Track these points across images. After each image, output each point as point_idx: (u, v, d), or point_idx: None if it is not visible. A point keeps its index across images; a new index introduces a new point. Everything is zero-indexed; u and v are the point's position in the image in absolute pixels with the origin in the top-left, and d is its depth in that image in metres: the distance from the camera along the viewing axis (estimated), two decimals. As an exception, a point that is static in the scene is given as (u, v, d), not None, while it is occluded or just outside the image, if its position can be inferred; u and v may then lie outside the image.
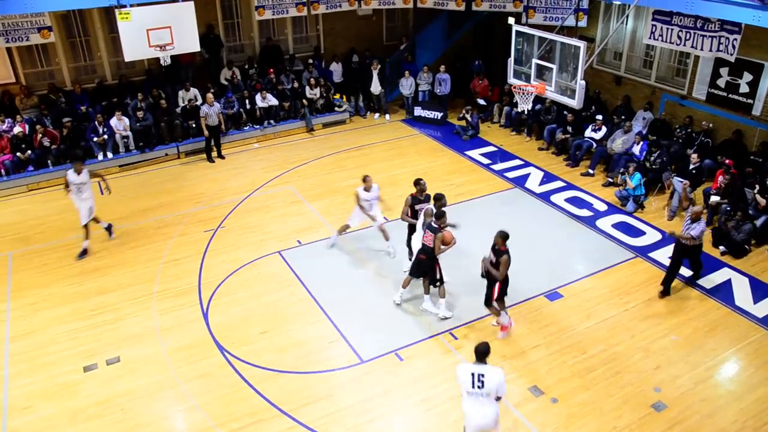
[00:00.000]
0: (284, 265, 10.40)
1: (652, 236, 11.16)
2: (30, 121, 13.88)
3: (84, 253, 10.68)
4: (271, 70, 16.01)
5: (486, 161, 14.25)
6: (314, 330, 8.92)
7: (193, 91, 15.03)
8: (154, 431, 7.36)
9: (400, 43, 17.95)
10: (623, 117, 14.04)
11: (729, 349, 8.49)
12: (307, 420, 7.39)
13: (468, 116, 15.53)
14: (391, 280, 9.96)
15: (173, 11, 12.14)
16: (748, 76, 12.28)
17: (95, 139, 13.72)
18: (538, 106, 15.02)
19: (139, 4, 11.98)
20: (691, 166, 11.91)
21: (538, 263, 10.33)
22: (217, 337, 8.77)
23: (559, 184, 13.15)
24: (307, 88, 16.11)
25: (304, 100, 15.99)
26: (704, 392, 7.76)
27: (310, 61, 16.66)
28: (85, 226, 10.60)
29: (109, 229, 11.18)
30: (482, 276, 8.61)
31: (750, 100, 12.36)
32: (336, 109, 16.46)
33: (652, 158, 12.52)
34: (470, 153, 14.68)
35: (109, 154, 13.92)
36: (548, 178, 13.42)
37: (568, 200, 12.45)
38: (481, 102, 16.75)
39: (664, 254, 10.55)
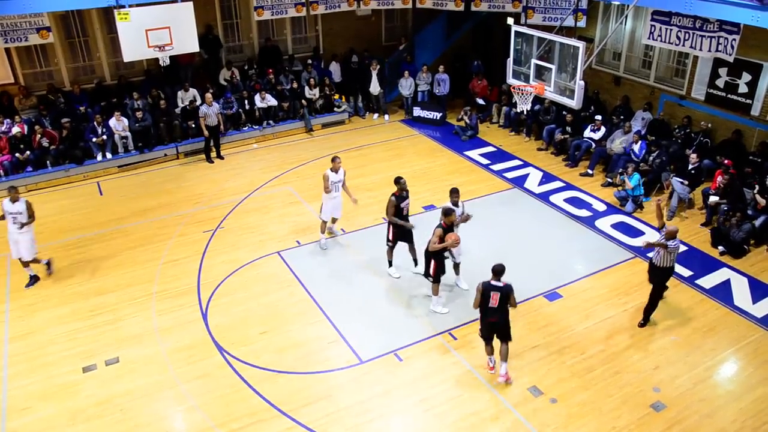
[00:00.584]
0: (283, 265, 10.40)
1: (651, 237, 11.15)
2: (29, 121, 13.87)
3: (34, 279, 10.00)
4: (270, 70, 16.00)
5: (485, 161, 14.25)
6: (313, 330, 8.92)
7: (192, 92, 15.03)
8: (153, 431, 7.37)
9: (399, 44, 17.94)
10: (622, 117, 14.05)
11: (728, 349, 8.50)
12: (307, 420, 7.39)
13: (466, 117, 15.53)
14: (390, 279, 9.97)
15: (172, 12, 12.13)
16: (746, 77, 12.29)
17: (94, 139, 13.71)
18: (537, 107, 15.03)
19: (138, 5, 11.98)
20: (690, 167, 11.92)
21: (537, 263, 10.34)
22: (216, 338, 8.77)
23: (558, 184, 13.16)
24: (306, 88, 16.11)
25: (303, 101, 15.99)
26: (703, 392, 7.77)
27: (309, 61, 16.66)
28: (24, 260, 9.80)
29: (48, 264, 10.21)
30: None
31: (749, 101, 12.37)
32: (335, 109, 16.46)
33: (651, 158, 12.53)
34: (469, 153, 14.69)
35: (108, 155, 13.90)
36: (547, 178, 13.43)
37: (567, 200, 12.46)
38: (480, 102, 16.76)
39: (663, 254, 10.59)
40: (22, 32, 13.21)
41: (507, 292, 7.52)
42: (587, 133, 13.99)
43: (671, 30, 12.52)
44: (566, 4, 14.66)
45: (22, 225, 9.49)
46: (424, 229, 10.34)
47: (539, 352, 8.44)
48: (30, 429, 7.38)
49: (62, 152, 13.47)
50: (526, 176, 13.51)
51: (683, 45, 12.44)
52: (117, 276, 10.18)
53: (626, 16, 14.03)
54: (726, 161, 11.55)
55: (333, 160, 10.32)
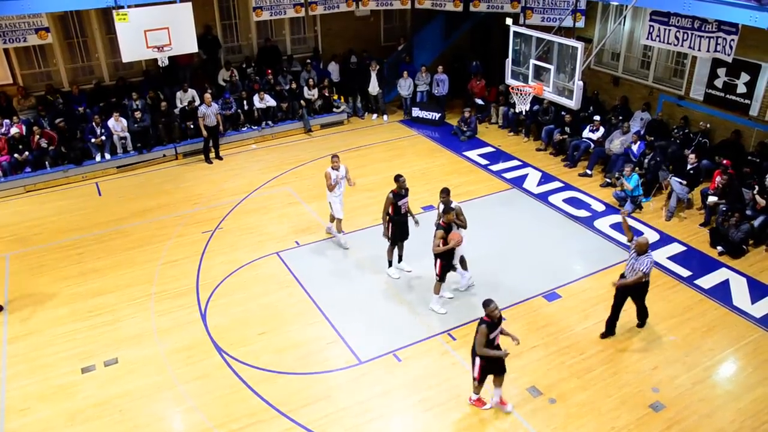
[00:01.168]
0: (282, 266, 10.40)
1: (650, 237, 11.14)
2: (27, 122, 13.86)
3: None
4: (269, 71, 16.01)
5: (484, 162, 14.26)
6: (313, 331, 8.91)
7: (191, 92, 15.03)
8: (152, 433, 7.36)
9: (397, 44, 17.95)
10: (621, 117, 14.06)
11: (727, 349, 8.51)
12: (306, 421, 7.39)
13: (464, 124, 15.51)
14: (390, 279, 9.97)
15: (171, 12, 12.13)
16: (745, 77, 12.30)
17: (93, 140, 13.70)
18: (536, 107, 15.04)
19: (136, 5, 11.98)
20: (689, 167, 11.93)
21: (536, 264, 10.34)
22: (215, 338, 8.76)
23: (557, 184, 13.16)
24: (305, 88, 16.11)
25: (302, 101, 15.99)
26: (702, 392, 7.77)
27: (308, 61, 16.66)
28: None
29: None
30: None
31: (747, 101, 12.38)
32: (334, 109, 16.46)
33: (646, 160, 12.53)
34: (468, 154, 14.69)
35: (107, 155, 13.90)
36: (546, 178, 13.43)
37: (566, 201, 12.46)
38: (479, 102, 16.77)
39: (663, 255, 10.59)
40: (20, 33, 13.21)
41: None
42: (586, 133, 13.99)
43: (670, 30, 12.53)
44: (565, 5, 14.67)
45: None
46: (425, 228, 10.36)
47: (538, 353, 8.44)
48: (29, 430, 7.37)
49: (61, 153, 13.45)
50: (525, 176, 13.52)
51: (682, 45, 12.45)
52: (116, 277, 10.17)
53: (625, 17, 14.03)
54: (725, 161, 11.55)
55: (332, 158, 10.33)
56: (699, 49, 12.14)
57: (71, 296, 9.73)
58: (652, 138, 13.16)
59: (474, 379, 7.30)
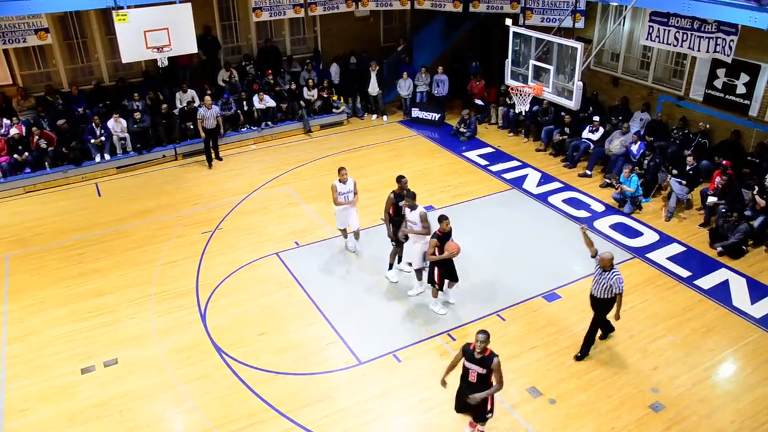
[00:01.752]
0: (282, 266, 10.40)
1: (649, 237, 11.18)
2: (27, 123, 13.86)
3: None
4: (269, 71, 16.01)
5: (484, 162, 14.26)
6: (312, 331, 8.91)
7: (191, 93, 15.03)
8: (152, 433, 7.35)
9: (397, 45, 17.96)
10: (620, 118, 14.06)
11: (727, 349, 8.51)
12: (306, 421, 7.39)
13: (463, 125, 15.52)
14: (389, 280, 9.97)
15: (170, 13, 12.14)
16: (744, 77, 12.31)
17: (92, 140, 13.70)
18: (535, 107, 15.04)
19: (136, 6, 11.99)
20: (688, 167, 11.93)
21: (536, 264, 10.34)
22: (215, 339, 8.76)
23: (556, 185, 13.17)
24: (305, 89, 16.12)
25: (302, 102, 15.99)
26: (702, 393, 7.77)
27: (308, 62, 16.66)
28: None
29: None
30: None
31: (747, 101, 12.38)
32: (334, 110, 16.47)
33: (645, 162, 12.54)
34: (468, 154, 14.70)
35: (107, 156, 13.89)
36: (546, 179, 13.44)
37: (565, 201, 12.46)
38: (479, 103, 16.78)
39: (662, 255, 10.60)
40: (20, 33, 13.20)
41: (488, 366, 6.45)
42: (586, 133, 14.00)
43: (669, 31, 12.53)
44: (564, 5, 14.68)
45: None
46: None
47: (538, 353, 8.44)
48: (29, 430, 7.37)
49: (60, 153, 13.45)
50: (524, 177, 13.52)
51: (681, 46, 12.46)
52: (115, 277, 10.17)
53: (624, 17, 14.04)
54: (724, 162, 11.56)
55: (339, 171, 10.05)
56: (698, 50, 12.15)
57: (71, 297, 9.72)
58: (652, 138, 13.17)
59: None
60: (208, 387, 7.94)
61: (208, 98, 13.88)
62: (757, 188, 11.07)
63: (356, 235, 10.60)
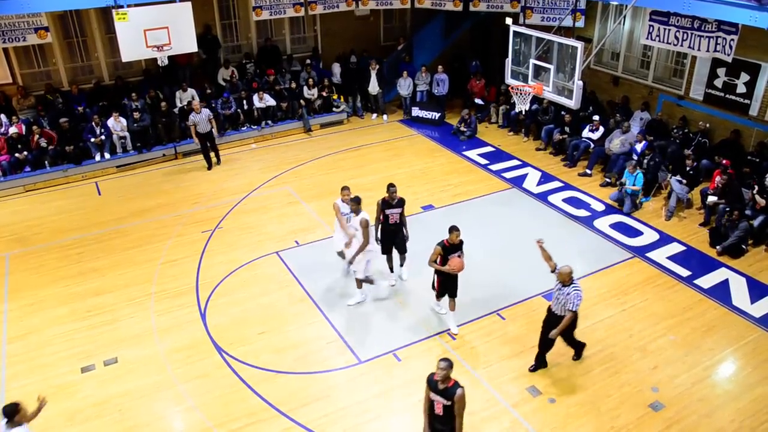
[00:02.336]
0: (282, 265, 10.40)
1: (649, 236, 11.18)
2: (27, 121, 13.86)
3: None
4: (271, 71, 16.00)
5: (484, 161, 14.26)
6: (312, 330, 8.91)
7: (191, 92, 15.03)
8: (151, 432, 7.36)
9: (397, 44, 17.95)
10: (621, 117, 14.04)
11: (726, 348, 8.51)
12: (306, 420, 7.39)
13: (464, 125, 15.51)
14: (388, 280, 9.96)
15: (170, 12, 12.13)
16: (745, 77, 12.30)
17: (92, 139, 13.69)
18: (535, 107, 15.03)
19: (136, 5, 11.98)
20: (687, 167, 11.93)
21: (535, 264, 10.21)
22: (215, 338, 8.76)
23: (556, 184, 13.17)
24: (305, 88, 16.11)
25: (302, 101, 15.99)
26: (702, 392, 7.78)
27: (308, 61, 16.66)
28: None
29: None
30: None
31: (747, 101, 12.38)
32: (334, 109, 16.46)
33: (645, 161, 12.54)
34: (468, 153, 14.69)
35: (107, 155, 13.89)
36: (546, 178, 13.43)
37: (565, 200, 12.46)
38: (479, 102, 16.78)
39: (662, 254, 10.60)
40: (20, 32, 13.21)
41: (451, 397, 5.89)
42: (586, 133, 14.00)
43: (669, 30, 12.53)
44: (565, 4, 14.68)
45: None
46: (423, 230, 10.36)
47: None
48: (28, 429, 7.36)
49: (60, 152, 13.45)
50: (524, 176, 13.52)
51: (681, 45, 12.45)
52: (115, 276, 10.17)
53: (624, 16, 14.04)
54: (724, 161, 11.56)
55: (342, 189, 9.43)
56: (699, 49, 12.14)
57: (71, 296, 9.72)
58: (651, 138, 13.17)
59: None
60: (208, 386, 7.94)
61: (196, 103, 13.53)
62: (757, 187, 11.07)
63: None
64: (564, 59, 10.33)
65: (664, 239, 11.10)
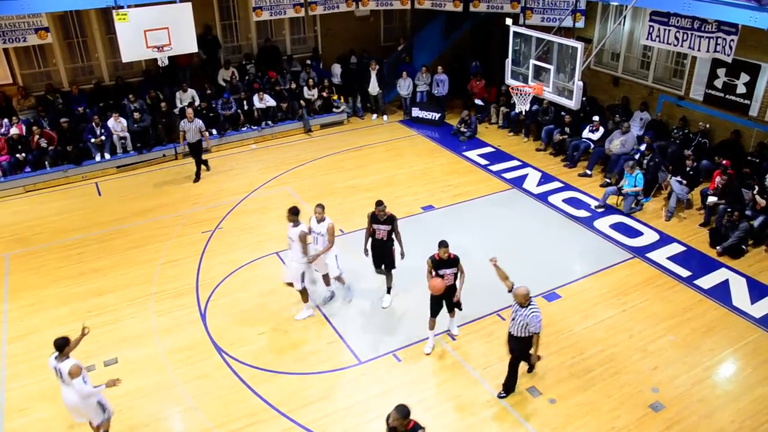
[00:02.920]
0: (282, 265, 10.36)
1: (649, 237, 11.18)
2: (27, 122, 13.86)
3: None
4: (273, 73, 16.00)
5: (484, 162, 14.26)
6: (312, 331, 8.91)
7: (191, 92, 15.04)
8: (152, 432, 7.35)
9: (397, 44, 17.96)
10: (621, 117, 14.04)
11: (726, 349, 8.51)
12: (306, 421, 7.39)
13: (464, 125, 15.52)
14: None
15: (171, 12, 12.12)
16: (745, 77, 12.31)
17: (92, 140, 13.70)
18: (534, 107, 15.03)
19: (136, 5, 11.98)
20: (688, 168, 11.93)
21: (535, 264, 10.34)
22: (215, 338, 8.76)
23: (556, 184, 13.17)
24: (305, 88, 16.11)
25: (302, 101, 15.99)
26: (702, 392, 7.78)
27: (308, 62, 16.67)
28: None
29: None
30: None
31: (747, 101, 12.38)
32: (334, 110, 16.46)
33: (645, 160, 12.54)
34: (468, 154, 14.69)
35: (107, 155, 13.89)
36: (546, 178, 13.44)
37: (565, 201, 12.46)
38: (479, 103, 16.78)
39: (662, 255, 10.60)
40: (20, 33, 13.21)
41: None
42: (586, 133, 14.00)
43: (669, 30, 12.53)
44: (565, 5, 14.68)
45: None
46: (424, 230, 10.37)
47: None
48: (29, 430, 7.38)
49: (60, 153, 13.45)
50: (524, 177, 13.52)
51: (681, 46, 12.46)
52: (116, 276, 10.17)
53: (624, 17, 14.04)
54: (724, 162, 11.56)
55: (315, 209, 8.72)
56: (699, 50, 12.14)
57: (71, 296, 9.72)
58: (650, 139, 13.16)
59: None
60: (208, 386, 7.94)
61: (189, 110, 13.08)
62: (757, 188, 11.07)
63: (339, 280, 9.47)
64: (564, 60, 10.34)
65: (665, 240, 11.10)
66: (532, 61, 10.90)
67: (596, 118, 14.00)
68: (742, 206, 10.94)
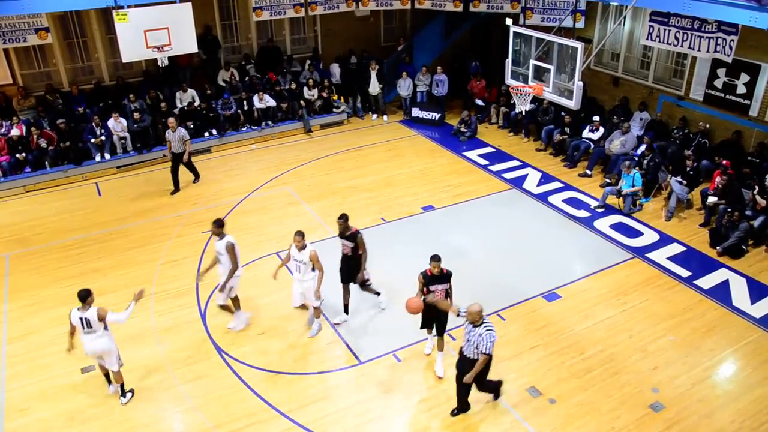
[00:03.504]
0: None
1: (649, 237, 11.18)
2: (27, 122, 13.86)
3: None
4: (273, 75, 16.01)
5: (484, 162, 14.26)
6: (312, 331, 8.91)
7: (191, 93, 15.04)
8: (152, 433, 7.35)
9: (397, 44, 17.96)
10: (621, 118, 14.05)
11: (727, 349, 8.51)
12: (306, 421, 7.39)
13: (464, 125, 15.52)
14: (389, 279, 9.94)
15: (171, 12, 12.13)
16: (745, 77, 12.31)
17: (92, 140, 13.70)
18: (532, 106, 14.99)
19: (136, 5, 11.98)
20: (688, 168, 11.93)
21: (536, 264, 10.34)
22: (215, 338, 8.76)
23: (556, 184, 13.17)
24: (305, 88, 16.12)
25: (302, 101, 15.99)
26: (702, 392, 7.78)
27: (309, 62, 16.66)
28: None
29: None
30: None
31: (747, 101, 12.38)
32: (334, 110, 16.47)
33: (645, 160, 12.53)
34: (468, 154, 14.69)
35: (107, 155, 13.89)
36: (546, 178, 13.43)
37: (565, 201, 12.46)
38: (479, 103, 16.78)
39: (662, 255, 10.60)
40: (20, 33, 13.21)
41: None
42: (586, 133, 14.00)
43: (670, 31, 12.53)
44: (565, 5, 14.68)
45: None
46: (424, 230, 10.37)
47: (538, 353, 8.44)
48: (29, 430, 7.37)
49: (60, 153, 13.45)
50: (524, 177, 13.52)
51: (681, 46, 12.46)
52: (116, 277, 10.17)
53: (625, 17, 14.04)
54: (724, 162, 11.56)
55: (294, 237, 8.26)
56: (699, 50, 12.14)
57: (71, 296, 9.58)
58: (650, 139, 13.17)
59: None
60: (208, 386, 7.93)
61: (172, 120, 12.58)
62: (757, 188, 11.07)
63: (316, 312, 8.77)
64: (564, 60, 10.34)
65: (665, 240, 11.10)
66: (532, 61, 10.90)
67: (596, 118, 14.00)
68: (742, 206, 10.94)
